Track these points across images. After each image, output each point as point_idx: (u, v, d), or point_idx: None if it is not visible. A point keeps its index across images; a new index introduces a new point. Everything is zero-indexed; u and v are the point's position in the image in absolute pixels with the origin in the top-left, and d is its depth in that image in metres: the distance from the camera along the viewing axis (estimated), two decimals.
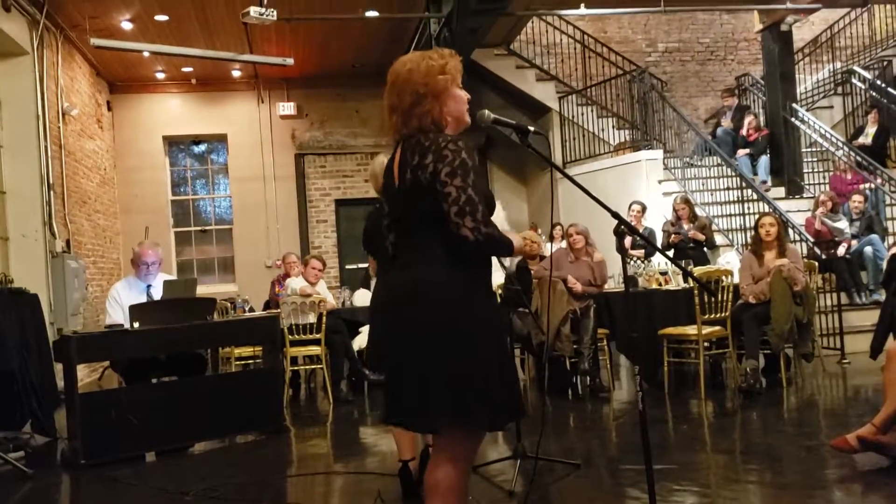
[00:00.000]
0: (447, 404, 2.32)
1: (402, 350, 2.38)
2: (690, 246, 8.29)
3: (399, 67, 2.45)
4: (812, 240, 8.75)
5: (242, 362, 7.61)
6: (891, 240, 9.11)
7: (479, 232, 2.27)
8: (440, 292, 2.35)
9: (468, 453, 2.46)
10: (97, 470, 4.87)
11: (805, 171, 11.12)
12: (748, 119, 11.17)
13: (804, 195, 10.69)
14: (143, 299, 5.79)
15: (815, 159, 11.45)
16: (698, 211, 8.94)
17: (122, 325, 5.40)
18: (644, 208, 8.90)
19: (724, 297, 6.27)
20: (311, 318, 7.04)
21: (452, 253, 2.34)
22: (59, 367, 5.63)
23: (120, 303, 5.68)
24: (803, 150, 11.21)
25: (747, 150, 10.95)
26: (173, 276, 9.48)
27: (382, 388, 2.52)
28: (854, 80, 12.00)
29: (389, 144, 2.62)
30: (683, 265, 6.09)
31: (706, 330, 6.20)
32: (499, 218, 2.64)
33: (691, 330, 6.25)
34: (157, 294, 5.89)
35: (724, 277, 6.33)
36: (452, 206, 2.28)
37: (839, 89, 12.57)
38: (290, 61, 10.15)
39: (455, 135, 2.42)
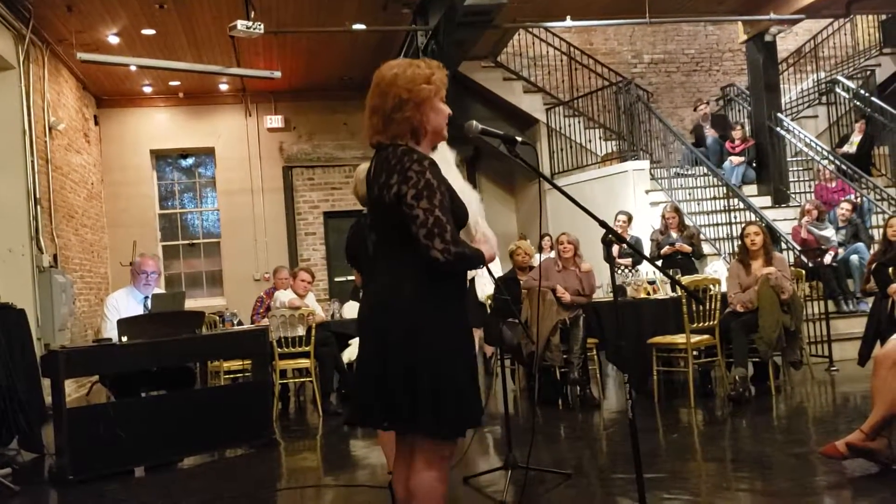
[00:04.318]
0: (427, 413, 2.36)
1: (375, 359, 2.43)
2: (678, 256, 8.32)
3: (385, 71, 2.48)
4: (799, 248, 8.80)
5: (231, 376, 7.58)
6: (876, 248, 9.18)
7: (448, 253, 2.29)
8: (409, 305, 2.39)
9: (443, 459, 2.47)
10: (85, 486, 4.82)
11: (791, 179, 11.20)
12: (735, 131, 11.24)
13: (790, 204, 10.76)
14: (140, 310, 5.78)
15: (801, 168, 11.54)
16: (686, 220, 8.98)
17: (110, 340, 5.38)
18: (630, 218, 8.94)
19: (712, 306, 6.30)
20: (301, 331, 7.02)
21: (420, 267, 2.36)
22: (46, 383, 5.59)
23: (120, 312, 5.65)
24: (789, 159, 11.29)
25: (743, 158, 10.99)
26: (161, 290, 9.45)
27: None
28: (838, 90, 12.11)
29: None
30: (671, 274, 6.12)
31: (695, 339, 6.22)
32: (474, 209, 2.62)
33: (680, 339, 6.27)
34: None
35: (711, 286, 6.36)
36: (421, 228, 2.29)
37: (823, 99, 12.69)
38: (278, 74, 10.16)
39: (420, 152, 2.42)
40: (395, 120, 2.43)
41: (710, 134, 11.64)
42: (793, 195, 10.98)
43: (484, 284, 7.41)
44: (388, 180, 2.37)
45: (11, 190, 8.39)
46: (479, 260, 2.46)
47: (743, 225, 7.25)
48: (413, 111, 2.43)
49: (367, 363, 2.49)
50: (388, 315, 2.41)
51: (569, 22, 10.06)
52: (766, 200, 10.78)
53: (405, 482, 2.53)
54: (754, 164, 11.10)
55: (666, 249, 8.36)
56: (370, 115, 2.49)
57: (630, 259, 8.52)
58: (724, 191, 10.14)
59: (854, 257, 8.76)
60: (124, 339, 5.21)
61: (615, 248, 8.28)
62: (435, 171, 2.36)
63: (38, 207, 8.59)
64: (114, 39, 9.51)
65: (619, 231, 8.56)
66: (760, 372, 6.66)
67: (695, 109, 12.18)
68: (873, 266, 6.72)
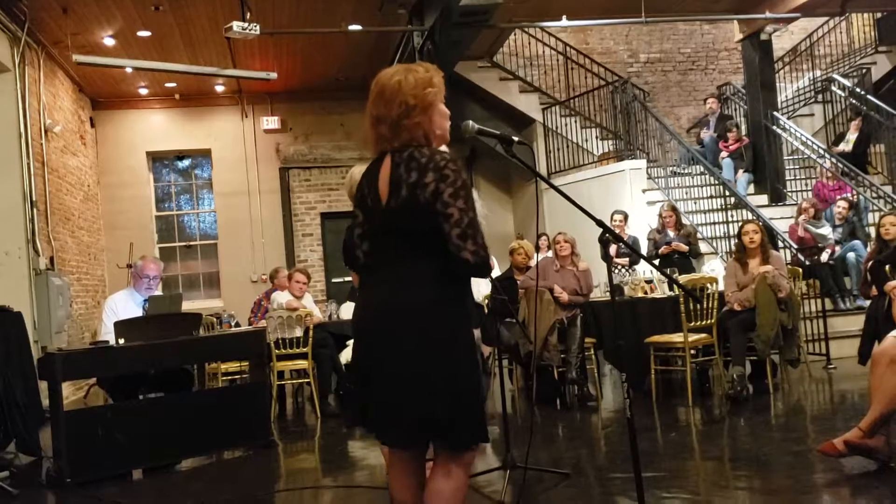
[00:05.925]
0: (458, 420, 2.34)
1: (394, 369, 2.34)
2: (675, 255, 8.32)
3: (385, 79, 2.43)
4: (796, 246, 8.81)
5: (229, 377, 7.57)
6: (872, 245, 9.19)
7: (478, 256, 2.28)
8: (429, 313, 2.34)
9: (464, 466, 2.45)
10: (83, 489, 4.81)
11: (787, 178, 11.22)
12: (730, 131, 11.26)
13: (787, 202, 10.77)
14: (140, 313, 5.77)
15: (797, 167, 11.55)
16: (683, 219, 8.98)
17: (107, 342, 5.37)
18: (626, 217, 8.93)
19: (710, 305, 6.30)
20: (298, 332, 7.02)
21: (437, 272, 2.33)
22: (43, 386, 5.57)
23: (118, 315, 5.64)
24: (785, 157, 11.31)
25: (744, 165, 11.00)
26: (158, 292, 9.43)
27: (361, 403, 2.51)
28: (834, 88, 12.13)
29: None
30: (668, 273, 6.12)
31: (692, 337, 6.23)
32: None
33: (677, 337, 6.27)
34: None
35: (709, 285, 6.37)
36: (455, 227, 2.27)
37: (819, 97, 12.70)
38: (274, 75, 10.15)
39: (447, 153, 2.40)
40: (405, 126, 2.39)
41: (708, 134, 11.66)
42: (789, 193, 11.00)
43: (479, 285, 7.39)
44: (421, 178, 2.31)
45: (8, 192, 8.37)
46: (490, 268, 2.47)
47: (740, 223, 7.26)
48: (421, 116, 2.40)
49: (370, 368, 2.41)
50: (399, 318, 2.34)
51: (565, 22, 10.07)
52: (763, 199, 10.79)
53: (409, 490, 2.49)
54: (748, 167, 11.10)
55: (663, 248, 8.37)
56: (375, 124, 2.44)
57: (627, 258, 8.52)
58: (722, 189, 10.15)
59: (851, 255, 8.77)
60: (121, 341, 5.20)
61: (612, 248, 8.27)
62: (464, 172, 2.36)
63: (35, 210, 8.57)
64: (109, 41, 9.50)
65: (616, 230, 8.56)
66: (758, 370, 6.66)
67: (705, 102, 12.23)
68: (870, 264, 6.72)
